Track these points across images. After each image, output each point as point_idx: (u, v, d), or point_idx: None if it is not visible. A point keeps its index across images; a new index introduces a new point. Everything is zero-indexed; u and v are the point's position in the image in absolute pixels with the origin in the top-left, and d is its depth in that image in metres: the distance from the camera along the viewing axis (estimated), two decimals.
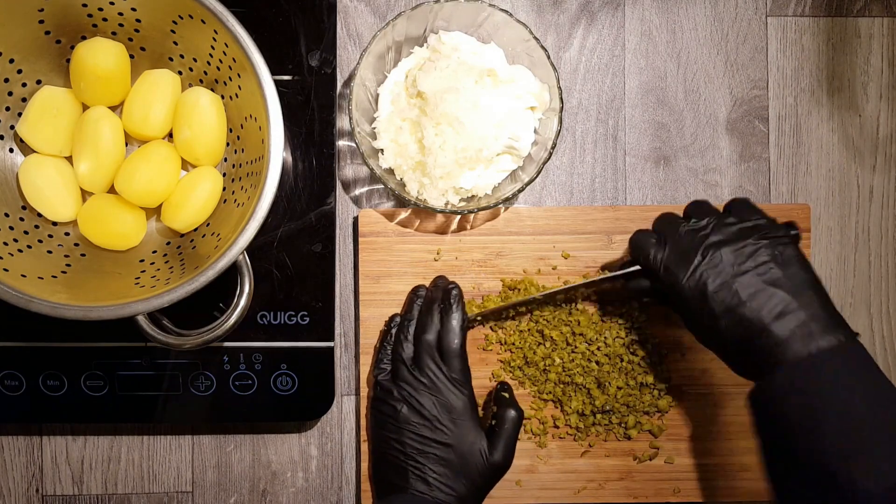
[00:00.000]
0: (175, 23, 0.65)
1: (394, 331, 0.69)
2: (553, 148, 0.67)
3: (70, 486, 0.72)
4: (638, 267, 0.65)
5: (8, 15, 0.62)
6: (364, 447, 0.71)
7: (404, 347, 0.68)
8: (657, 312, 0.71)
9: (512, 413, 0.67)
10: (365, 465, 0.71)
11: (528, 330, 0.71)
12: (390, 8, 0.74)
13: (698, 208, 0.64)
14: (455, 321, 0.67)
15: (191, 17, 0.63)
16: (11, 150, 0.68)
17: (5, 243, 0.64)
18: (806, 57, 0.75)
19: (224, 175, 0.68)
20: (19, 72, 0.66)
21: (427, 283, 0.71)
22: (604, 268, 0.71)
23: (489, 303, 0.71)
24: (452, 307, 0.67)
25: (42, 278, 0.63)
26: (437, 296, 0.69)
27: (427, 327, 0.67)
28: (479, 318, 0.70)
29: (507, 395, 0.68)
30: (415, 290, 0.70)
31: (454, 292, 0.68)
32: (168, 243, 0.69)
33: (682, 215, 0.65)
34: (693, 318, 0.61)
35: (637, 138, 0.75)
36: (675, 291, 0.61)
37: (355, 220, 0.73)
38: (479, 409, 0.69)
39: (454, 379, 0.66)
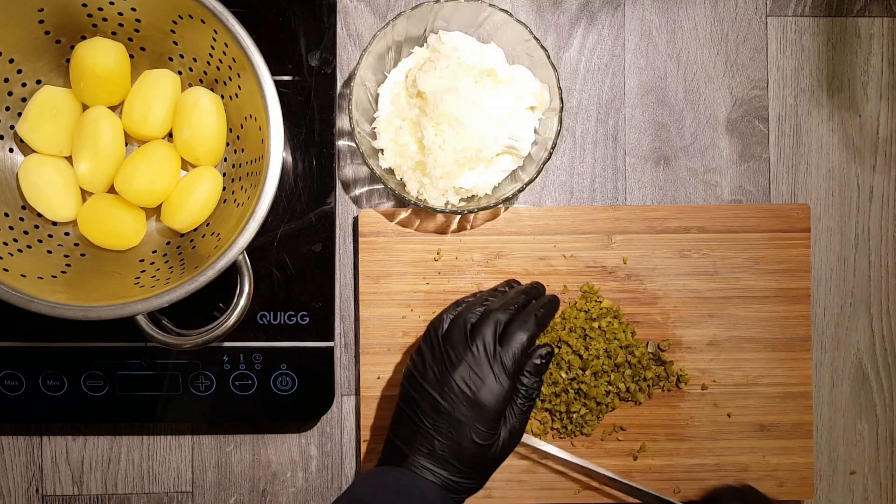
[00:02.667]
0: (175, 23, 0.65)
1: (469, 296, 0.67)
2: (553, 148, 0.67)
3: (70, 486, 0.72)
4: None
5: (8, 15, 0.62)
6: (364, 447, 0.71)
7: (472, 313, 0.64)
8: (652, 311, 0.72)
9: (529, 383, 0.63)
10: (364, 466, 0.71)
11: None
12: (390, 8, 0.74)
13: None
14: (534, 321, 0.63)
15: (191, 16, 0.63)
16: (11, 150, 0.68)
17: (5, 243, 0.64)
18: (806, 57, 0.75)
19: (224, 175, 0.68)
20: (19, 72, 0.66)
21: (428, 283, 0.71)
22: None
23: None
24: (542, 312, 0.64)
25: (42, 278, 0.63)
26: (532, 293, 0.66)
27: (506, 308, 0.63)
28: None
29: (536, 363, 0.64)
30: (508, 281, 0.69)
31: (555, 302, 0.66)
32: (168, 243, 0.69)
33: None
34: None
35: (637, 138, 0.75)
36: None
37: (355, 219, 0.73)
38: None
39: (504, 364, 0.61)
